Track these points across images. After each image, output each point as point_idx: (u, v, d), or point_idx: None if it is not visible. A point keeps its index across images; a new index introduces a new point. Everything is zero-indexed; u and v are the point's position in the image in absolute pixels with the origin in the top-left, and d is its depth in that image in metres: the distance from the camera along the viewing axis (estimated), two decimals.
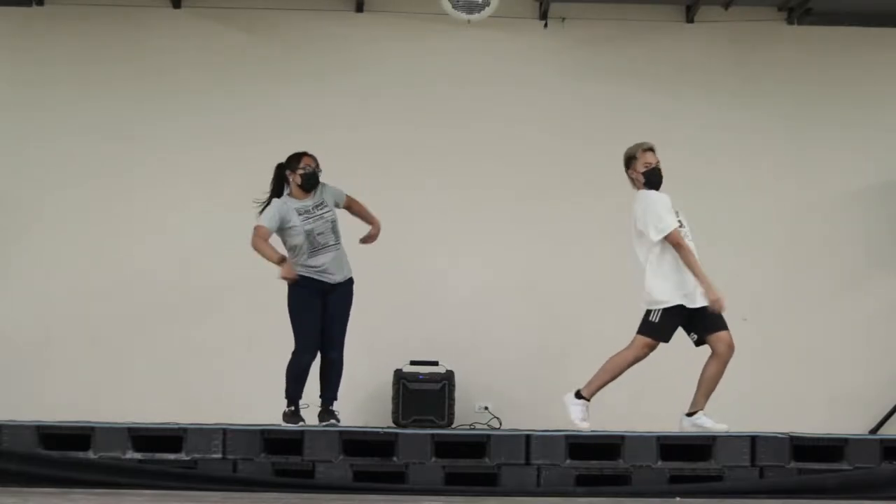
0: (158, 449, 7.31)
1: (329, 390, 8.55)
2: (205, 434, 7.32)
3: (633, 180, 8.24)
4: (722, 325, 8.13)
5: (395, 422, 10.02)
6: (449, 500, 6.76)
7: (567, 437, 7.34)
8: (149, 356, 10.42)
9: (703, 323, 8.10)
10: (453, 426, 10.03)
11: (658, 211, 8.05)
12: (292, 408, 8.42)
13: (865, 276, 10.79)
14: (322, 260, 8.54)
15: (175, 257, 10.53)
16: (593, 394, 8.16)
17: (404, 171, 10.58)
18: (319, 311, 8.52)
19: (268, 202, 8.72)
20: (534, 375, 10.51)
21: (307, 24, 10.78)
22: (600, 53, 10.85)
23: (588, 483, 7.23)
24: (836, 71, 10.90)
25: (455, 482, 7.20)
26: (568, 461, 7.26)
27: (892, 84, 10.92)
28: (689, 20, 10.87)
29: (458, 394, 10.14)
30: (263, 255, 8.52)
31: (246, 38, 10.78)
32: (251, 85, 10.70)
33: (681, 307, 8.03)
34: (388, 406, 10.11)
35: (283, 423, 8.26)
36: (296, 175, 8.65)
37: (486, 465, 7.28)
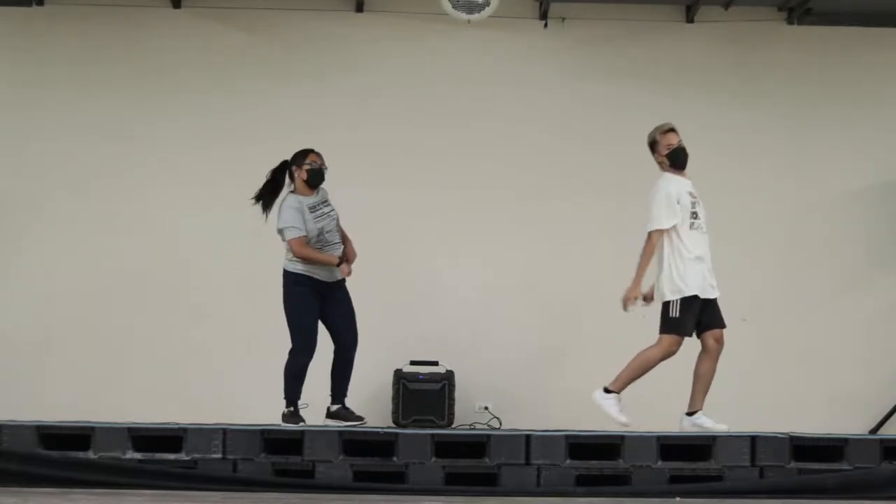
0: (158, 449, 7.31)
1: (345, 388, 8.57)
2: (205, 434, 7.32)
3: (658, 164, 8.25)
4: (720, 324, 8.14)
5: (395, 422, 10.02)
6: (449, 500, 6.76)
7: (567, 437, 7.34)
8: (149, 356, 10.42)
9: (704, 316, 8.10)
10: (453, 426, 10.03)
11: (653, 207, 8.08)
12: (291, 408, 8.43)
13: (865, 276, 10.79)
14: (334, 252, 8.57)
15: (175, 257, 10.53)
16: (622, 388, 8.11)
17: (404, 171, 10.58)
18: (318, 312, 8.53)
19: (265, 198, 8.69)
20: (534, 375, 10.52)
21: (307, 24, 10.78)
22: (600, 53, 10.84)
23: (588, 483, 7.23)
24: (836, 71, 10.90)
25: (455, 482, 7.20)
26: (568, 461, 7.26)
27: (892, 84, 10.91)
28: (689, 20, 10.87)
29: (458, 394, 10.13)
30: (321, 262, 8.52)
31: (246, 38, 10.78)
32: (251, 85, 10.69)
33: (697, 298, 8.03)
34: (388, 406, 10.11)
35: (283, 424, 8.26)
36: (302, 171, 8.66)
37: (486, 465, 7.28)
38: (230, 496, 6.77)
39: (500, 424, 10.25)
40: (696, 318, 8.08)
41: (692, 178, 8.38)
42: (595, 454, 7.33)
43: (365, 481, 7.19)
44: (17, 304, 10.49)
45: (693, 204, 8.15)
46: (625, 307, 8.23)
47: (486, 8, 10.23)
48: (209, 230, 10.51)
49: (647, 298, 8.31)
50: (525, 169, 10.66)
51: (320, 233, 8.57)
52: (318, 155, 8.69)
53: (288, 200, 8.65)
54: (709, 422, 7.97)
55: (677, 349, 8.09)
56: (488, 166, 10.65)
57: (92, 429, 7.36)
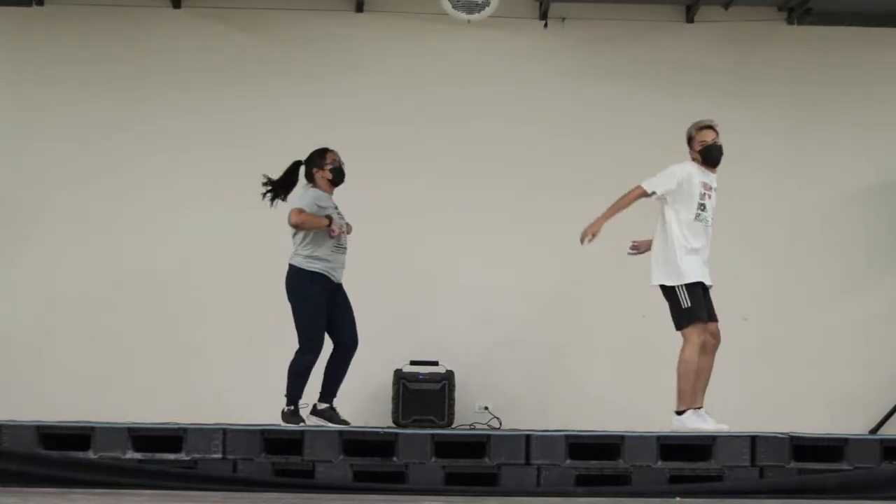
0: (158, 449, 7.30)
1: (337, 388, 8.56)
2: (205, 434, 7.32)
3: (692, 160, 8.25)
4: (714, 316, 8.13)
5: (395, 422, 10.02)
6: (449, 500, 6.76)
7: (567, 437, 7.33)
8: (149, 356, 10.42)
9: None
10: (453, 426, 10.03)
11: (663, 171, 8.09)
12: (292, 407, 8.42)
13: (865, 276, 10.80)
14: (340, 259, 8.58)
15: (175, 257, 10.53)
16: (690, 401, 8.01)
17: (404, 170, 10.58)
18: (327, 313, 8.54)
19: (276, 190, 8.66)
20: (534, 375, 10.52)
21: (307, 24, 10.78)
22: (600, 53, 10.85)
23: (588, 483, 7.23)
24: (836, 71, 10.90)
25: (455, 482, 7.20)
26: (568, 461, 7.25)
27: (892, 84, 10.92)
28: (689, 20, 10.87)
29: (458, 394, 10.14)
30: (312, 226, 8.42)
31: (246, 38, 10.78)
32: (251, 85, 10.70)
33: (700, 284, 8.03)
34: (388, 406, 10.12)
35: (283, 423, 8.26)
36: (325, 171, 8.65)
37: (486, 465, 7.28)
38: (230, 496, 6.77)
39: (500, 424, 10.26)
40: (704, 302, 8.05)
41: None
42: (595, 454, 7.32)
43: (365, 481, 7.19)
44: (17, 304, 10.50)
45: (703, 196, 8.12)
46: (581, 240, 8.16)
47: (486, 8, 10.23)
48: (209, 230, 10.52)
49: (642, 248, 8.30)
50: (525, 169, 10.67)
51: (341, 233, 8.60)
52: (335, 153, 8.69)
53: (312, 191, 8.61)
54: (699, 421, 7.94)
55: (705, 336, 8.04)
56: (488, 166, 10.65)
57: (92, 429, 7.35)
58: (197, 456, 7.26)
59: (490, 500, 6.89)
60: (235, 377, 10.31)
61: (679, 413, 8.01)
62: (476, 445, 7.36)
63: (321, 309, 8.47)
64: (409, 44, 10.79)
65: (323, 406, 8.56)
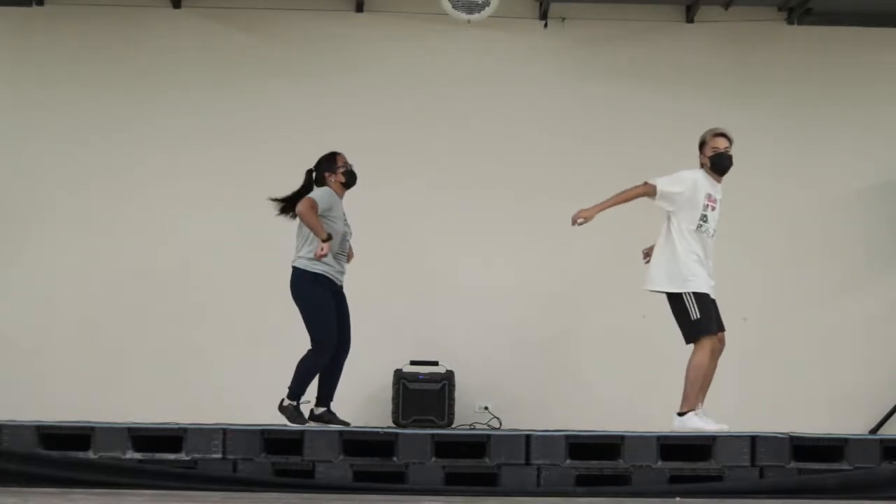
0: (158, 449, 7.30)
1: (333, 391, 8.56)
2: (205, 434, 7.32)
3: (701, 165, 8.24)
4: (722, 326, 8.14)
5: (395, 422, 10.02)
6: (449, 500, 6.76)
7: (567, 437, 7.33)
8: (149, 356, 10.42)
9: None
10: (453, 426, 10.03)
11: (675, 173, 8.09)
12: (294, 403, 8.40)
13: (865, 276, 10.80)
14: (342, 264, 8.60)
15: (175, 257, 10.53)
16: (694, 403, 8.01)
17: (404, 170, 10.58)
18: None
19: (288, 206, 8.65)
20: (534, 375, 10.52)
21: (307, 24, 10.78)
22: (600, 53, 10.85)
23: (588, 483, 7.23)
24: (836, 71, 10.90)
25: (455, 482, 7.20)
26: (568, 461, 7.25)
27: (892, 84, 10.92)
28: (689, 20, 10.87)
29: (458, 394, 10.14)
30: (312, 227, 8.39)
31: (246, 38, 10.78)
32: (251, 85, 10.70)
33: (708, 295, 8.03)
34: (388, 406, 10.11)
35: (285, 419, 8.25)
36: (338, 175, 8.67)
37: (486, 465, 7.28)
38: (230, 496, 6.77)
39: (500, 424, 10.26)
40: (713, 313, 8.04)
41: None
42: (595, 454, 7.32)
43: (365, 481, 7.19)
44: (18, 304, 10.49)
45: (706, 207, 8.12)
46: (572, 221, 8.20)
47: (486, 8, 10.24)
48: (209, 230, 10.52)
49: (646, 255, 8.30)
50: (525, 169, 10.67)
51: (344, 236, 8.60)
52: (344, 155, 8.71)
53: (329, 192, 8.60)
54: (700, 422, 7.95)
55: (717, 344, 8.05)
56: (488, 166, 10.65)
57: (92, 429, 7.35)
58: (197, 456, 7.26)
59: (490, 500, 6.89)
60: (235, 377, 10.31)
61: (681, 414, 8.01)
62: (476, 445, 7.36)
63: (330, 309, 8.47)
64: (409, 44, 10.79)
65: (321, 410, 8.57)
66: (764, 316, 10.50)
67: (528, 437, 7.32)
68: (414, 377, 10.10)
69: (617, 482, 7.26)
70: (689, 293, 7.99)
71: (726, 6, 10.71)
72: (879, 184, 10.79)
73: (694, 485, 7.22)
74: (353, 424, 8.63)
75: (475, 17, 10.27)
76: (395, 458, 7.27)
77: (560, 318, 10.59)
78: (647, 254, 8.36)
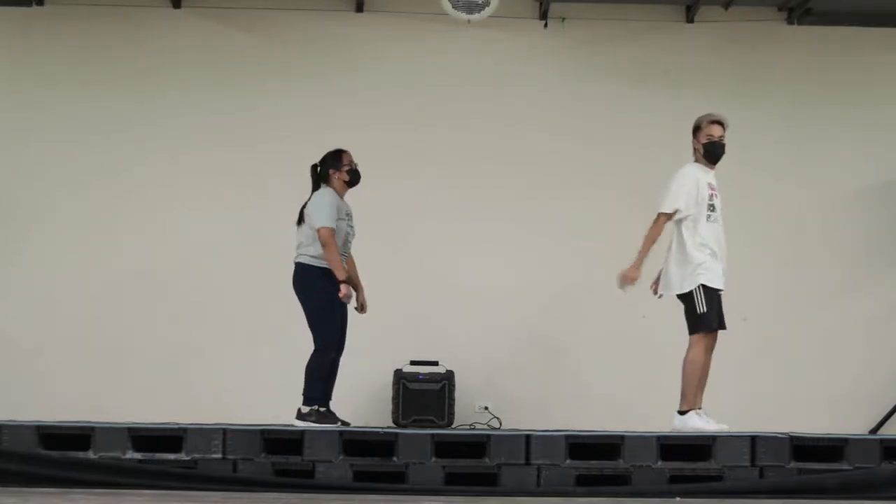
0: (158, 449, 7.30)
1: (331, 391, 8.56)
2: (205, 434, 7.32)
3: (693, 150, 8.23)
4: (723, 325, 8.14)
5: (395, 422, 10.02)
6: (449, 500, 6.76)
7: (567, 437, 7.34)
8: (149, 356, 10.41)
9: None
10: (453, 426, 10.03)
11: (672, 186, 8.06)
12: (316, 407, 8.36)
13: (865, 276, 10.80)
14: (344, 263, 8.59)
15: (175, 257, 10.53)
16: (693, 402, 8.00)
17: (404, 170, 10.58)
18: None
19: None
20: (534, 375, 10.52)
21: (307, 24, 10.78)
22: (600, 53, 10.85)
23: (588, 483, 7.23)
24: (836, 71, 10.90)
25: (455, 482, 7.20)
26: (568, 461, 7.25)
27: (892, 84, 10.92)
28: (689, 20, 10.87)
29: (458, 394, 10.13)
30: (332, 266, 8.42)
31: (246, 38, 10.78)
32: (251, 85, 10.70)
33: (718, 291, 8.02)
34: (388, 406, 10.11)
35: (296, 422, 8.23)
36: (342, 173, 8.66)
37: (486, 465, 7.28)
38: (230, 496, 6.77)
39: (500, 424, 10.25)
40: (718, 310, 8.04)
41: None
42: (595, 454, 7.32)
43: (365, 481, 7.19)
44: (17, 304, 10.49)
45: (711, 196, 8.13)
46: (621, 285, 8.14)
47: (486, 8, 10.23)
48: (209, 230, 10.51)
49: (656, 290, 8.27)
50: (525, 169, 10.67)
51: (347, 237, 8.60)
52: (350, 154, 8.71)
53: (326, 192, 8.60)
54: (700, 422, 7.94)
55: (714, 342, 8.05)
56: (488, 166, 10.65)
57: (92, 429, 7.35)
58: (197, 456, 7.26)
59: (490, 500, 6.89)
60: (235, 377, 10.31)
61: (682, 413, 8.00)
62: (476, 445, 7.36)
63: (334, 308, 8.47)
64: (409, 44, 10.78)
65: (322, 409, 8.55)
66: (764, 316, 10.49)
67: (528, 437, 7.32)
68: (414, 377, 10.09)
69: (617, 482, 7.26)
70: (698, 287, 7.99)
71: (726, 6, 10.71)
72: (879, 184, 10.79)
73: (694, 485, 7.22)
74: (353, 424, 8.63)
75: (475, 17, 10.26)
76: (395, 458, 7.27)
77: (560, 318, 10.59)
78: (655, 286, 8.30)
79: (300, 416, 8.36)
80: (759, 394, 10.34)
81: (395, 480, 7.21)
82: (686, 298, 8.06)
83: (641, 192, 10.10)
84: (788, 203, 10.79)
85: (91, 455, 7.25)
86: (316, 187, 8.69)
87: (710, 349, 8.08)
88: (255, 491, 7.00)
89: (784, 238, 10.74)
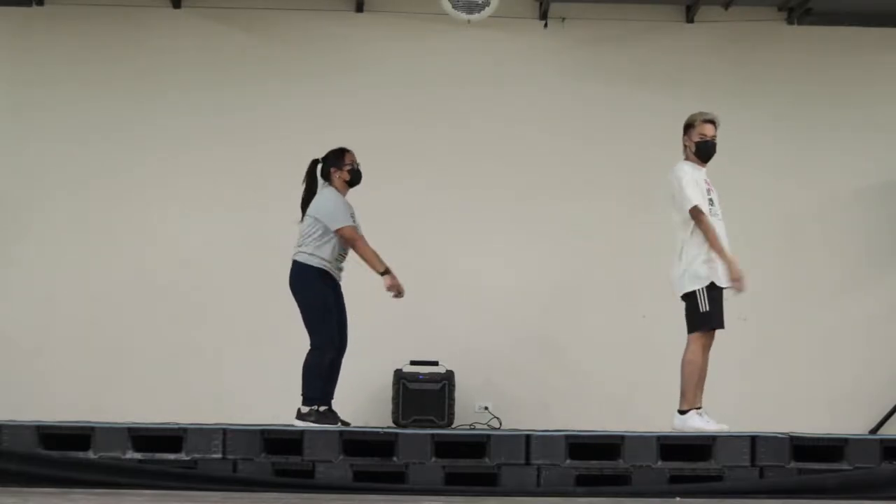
0: (158, 449, 7.30)
1: (332, 390, 8.55)
2: (205, 434, 7.31)
3: (684, 147, 8.21)
4: (722, 324, 8.13)
5: (395, 422, 10.02)
6: (449, 500, 6.75)
7: (567, 437, 7.33)
8: (149, 356, 10.41)
9: None
10: (453, 426, 10.03)
11: (682, 184, 8.04)
12: (317, 407, 8.35)
13: (865, 276, 10.80)
14: (341, 265, 8.61)
15: (175, 257, 10.53)
16: (693, 401, 7.99)
17: (404, 171, 10.58)
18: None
19: (305, 204, 8.64)
20: (534, 375, 10.52)
21: (307, 24, 10.78)
22: (600, 53, 10.85)
23: (588, 483, 7.22)
24: (836, 71, 10.90)
25: (455, 482, 7.19)
26: (568, 461, 7.25)
27: (892, 84, 10.92)
28: (689, 20, 10.87)
29: (458, 394, 10.13)
30: (369, 263, 8.47)
31: (246, 38, 10.78)
32: (251, 85, 10.70)
33: (722, 290, 8.01)
34: (388, 406, 10.11)
35: (296, 422, 8.23)
36: (343, 172, 8.66)
37: (486, 465, 7.27)
38: (230, 496, 6.77)
39: (500, 424, 10.25)
40: (720, 310, 8.04)
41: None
42: (595, 454, 7.32)
43: (365, 481, 7.19)
44: (17, 304, 10.49)
45: (708, 191, 8.13)
46: (741, 287, 8.00)
47: (486, 8, 10.23)
48: (209, 230, 10.52)
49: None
50: (525, 169, 10.67)
51: None
52: (353, 153, 8.70)
53: (331, 192, 8.59)
54: (701, 421, 7.94)
55: (711, 341, 8.04)
56: (488, 166, 10.65)
57: (92, 429, 7.35)
58: (197, 456, 7.25)
59: (490, 500, 6.89)
60: (235, 377, 10.31)
61: (682, 412, 8.00)
62: (476, 445, 7.36)
63: (330, 308, 8.47)
64: (409, 44, 10.78)
65: (323, 409, 8.54)
66: (764, 316, 10.49)
67: (528, 437, 7.32)
68: (414, 377, 10.10)
69: (617, 482, 7.25)
70: (702, 288, 7.98)
71: (726, 6, 10.71)
72: (879, 184, 10.79)
73: (694, 485, 7.22)
74: (353, 424, 8.63)
75: (475, 17, 10.26)
76: (395, 458, 7.27)
77: (560, 318, 10.59)
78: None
79: (300, 416, 8.36)
80: (759, 394, 10.34)
81: (395, 480, 7.21)
82: (689, 297, 8.06)
83: (641, 192, 10.15)
84: (788, 203, 10.79)
85: (91, 455, 7.25)
86: (311, 180, 8.67)
87: (707, 348, 8.07)
88: (255, 491, 7.00)
89: (784, 238, 10.74)
